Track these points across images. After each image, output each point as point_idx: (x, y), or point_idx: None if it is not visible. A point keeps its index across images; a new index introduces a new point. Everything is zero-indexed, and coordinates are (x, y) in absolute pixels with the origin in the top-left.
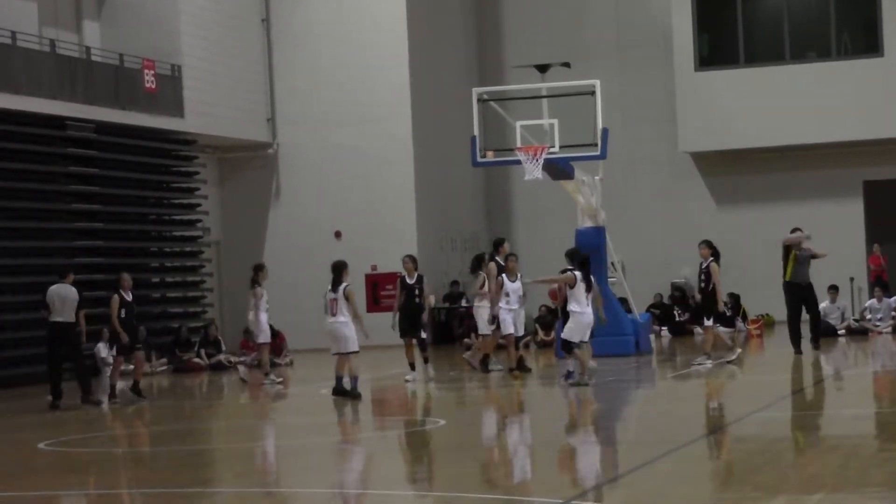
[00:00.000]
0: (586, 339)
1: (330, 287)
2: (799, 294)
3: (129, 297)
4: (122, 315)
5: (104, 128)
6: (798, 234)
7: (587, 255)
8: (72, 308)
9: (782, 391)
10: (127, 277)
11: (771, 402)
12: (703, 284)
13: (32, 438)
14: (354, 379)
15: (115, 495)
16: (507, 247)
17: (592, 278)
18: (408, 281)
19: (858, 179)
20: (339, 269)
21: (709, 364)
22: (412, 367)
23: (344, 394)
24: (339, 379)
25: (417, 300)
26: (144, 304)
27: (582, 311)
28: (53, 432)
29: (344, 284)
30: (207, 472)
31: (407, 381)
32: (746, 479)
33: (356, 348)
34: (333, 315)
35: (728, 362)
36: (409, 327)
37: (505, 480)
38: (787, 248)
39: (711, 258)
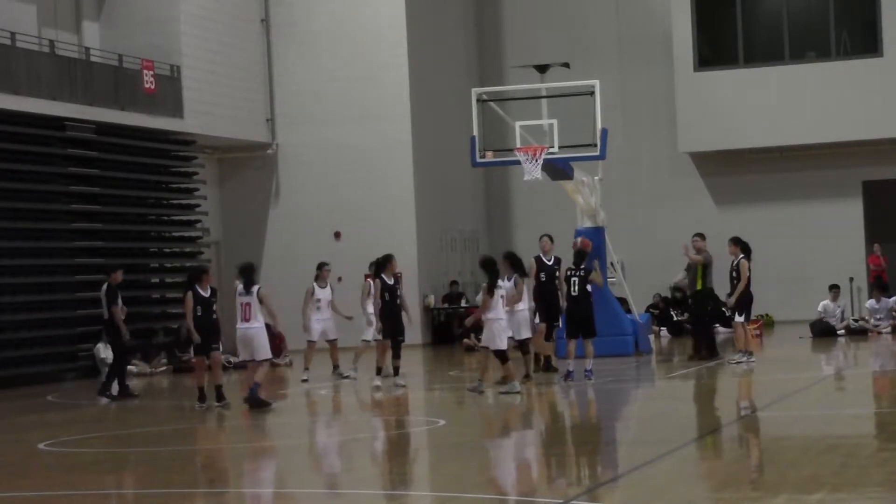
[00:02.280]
0: (521, 343)
1: (242, 290)
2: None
3: (206, 292)
4: (198, 312)
5: (104, 128)
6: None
7: (491, 259)
8: (103, 306)
9: (782, 391)
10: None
11: (770, 401)
12: (735, 282)
13: (32, 438)
14: (256, 384)
15: (115, 495)
16: (545, 242)
17: (504, 283)
18: (388, 282)
19: (858, 179)
20: (250, 272)
21: (744, 361)
22: (379, 371)
23: (262, 404)
24: (254, 388)
25: (398, 301)
26: (144, 304)
27: (496, 318)
28: (53, 432)
29: (257, 287)
30: (208, 472)
31: (399, 385)
32: (746, 479)
33: (269, 355)
34: (246, 320)
35: (735, 363)
36: (389, 330)
37: (505, 480)
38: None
39: (742, 255)
